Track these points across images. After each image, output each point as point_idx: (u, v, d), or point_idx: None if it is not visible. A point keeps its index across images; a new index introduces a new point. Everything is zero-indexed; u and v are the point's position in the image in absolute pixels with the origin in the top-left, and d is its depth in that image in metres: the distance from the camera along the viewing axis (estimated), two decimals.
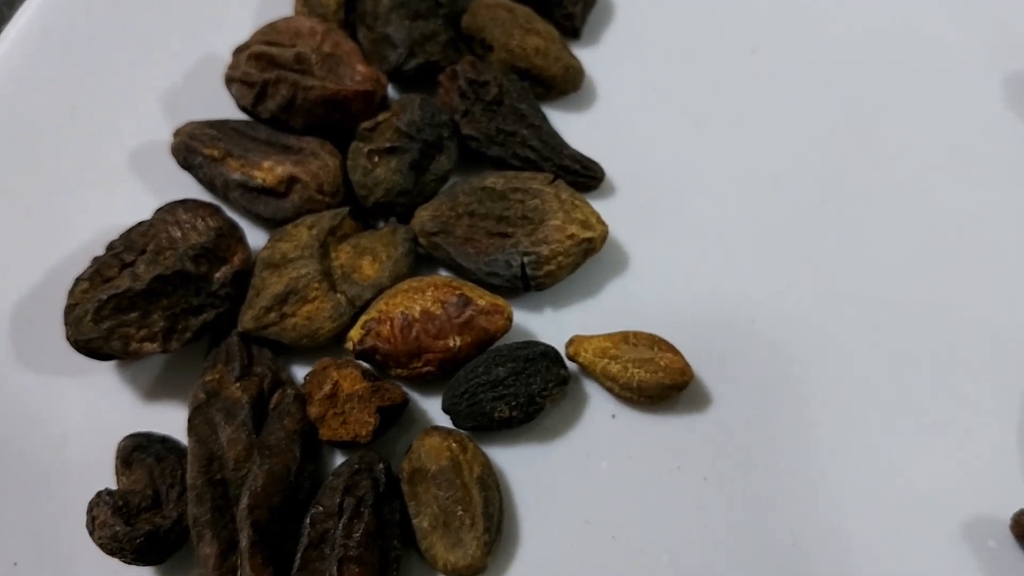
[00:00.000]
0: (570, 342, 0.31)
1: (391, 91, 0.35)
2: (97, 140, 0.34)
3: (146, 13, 0.36)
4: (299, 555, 0.27)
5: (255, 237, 0.32)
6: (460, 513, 0.28)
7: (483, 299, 0.30)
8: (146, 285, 0.29)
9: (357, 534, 0.27)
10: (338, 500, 0.28)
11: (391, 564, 0.27)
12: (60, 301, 0.31)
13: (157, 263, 0.29)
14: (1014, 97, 0.35)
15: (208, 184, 0.32)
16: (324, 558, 0.27)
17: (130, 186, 0.34)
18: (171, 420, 0.31)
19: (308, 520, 0.28)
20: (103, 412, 0.31)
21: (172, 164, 0.33)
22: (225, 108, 0.34)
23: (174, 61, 0.36)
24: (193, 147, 0.32)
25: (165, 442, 0.30)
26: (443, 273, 0.32)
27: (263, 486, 0.27)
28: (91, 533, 0.28)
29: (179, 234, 0.30)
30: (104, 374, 0.32)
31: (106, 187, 0.34)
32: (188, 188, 0.33)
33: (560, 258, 0.31)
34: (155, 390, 0.31)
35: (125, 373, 0.32)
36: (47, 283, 0.33)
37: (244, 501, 0.27)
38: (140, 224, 0.31)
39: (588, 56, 0.36)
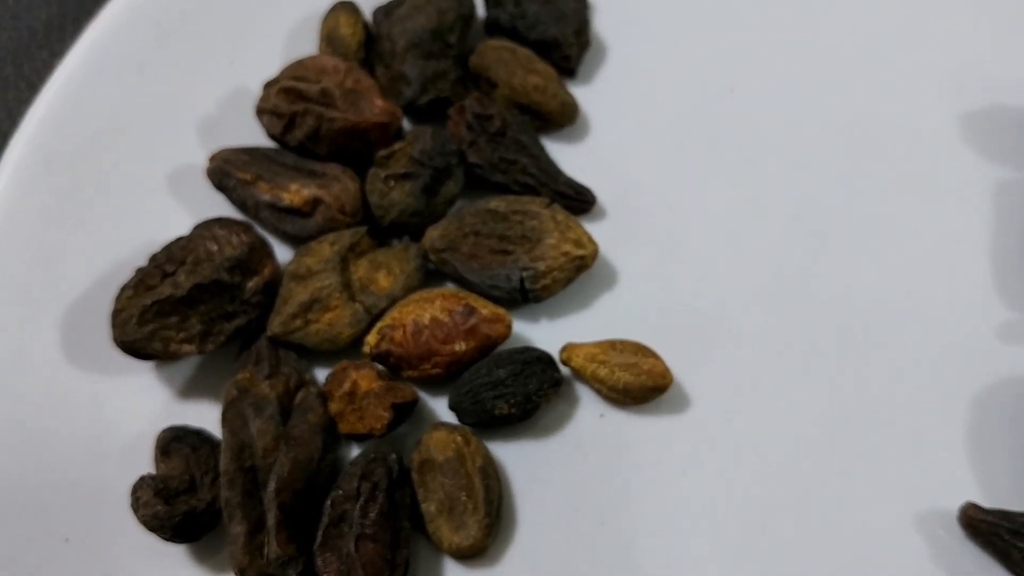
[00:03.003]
0: (563, 348, 0.34)
1: (405, 123, 0.38)
2: (139, 163, 0.38)
3: (184, 51, 0.39)
4: (320, 532, 0.30)
5: (281, 252, 0.35)
6: (464, 499, 0.31)
7: (486, 308, 0.33)
8: (186, 292, 0.32)
9: (372, 514, 0.30)
10: (355, 485, 0.31)
11: (402, 542, 0.30)
12: (104, 308, 0.34)
13: (196, 273, 0.33)
14: (968, 134, 0.38)
15: (240, 204, 0.36)
16: (343, 535, 0.30)
17: (168, 205, 0.37)
18: (202, 416, 0.34)
19: (329, 502, 0.30)
20: (142, 408, 0.34)
21: (206, 186, 0.36)
22: (254, 136, 0.37)
23: (209, 93, 0.39)
24: (227, 171, 0.35)
25: (199, 434, 0.33)
26: (450, 286, 0.35)
27: (289, 472, 0.30)
28: (135, 512, 0.31)
29: (215, 248, 0.33)
30: (143, 374, 0.34)
31: (146, 206, 0.37)
32: (221, 208, 0.36)
33: (555, 273, 0.34)
34: (188, 389, 0.34)
35: (161, 373, 0.35)
36: (92, 292, 0.35)
37: (272, 485, 0.30)
38: (180, 239, 0.34)
39: (582, 93, 0.39)
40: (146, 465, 0.33)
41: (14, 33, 0.43)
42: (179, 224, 0.36)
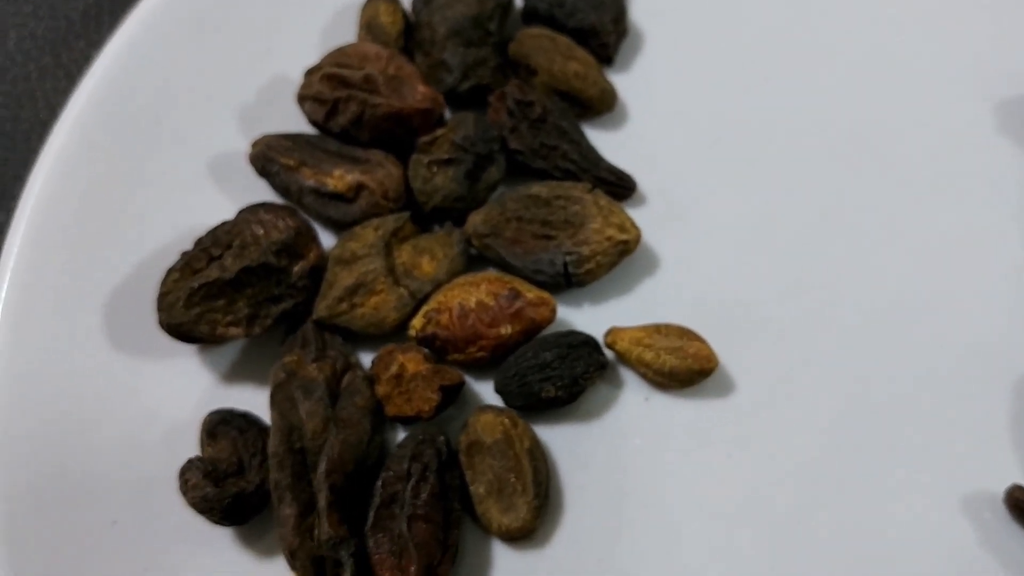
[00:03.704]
0: (608, 332, 0.34)
1: (445, 110, 0.38)
2: (179, 151, 0.38)
3: (222, 40, 0.40)
4: (372, 513, 0.30)
5: (323, 238, 0.35)
6: (513, 480, 0.31)
7: (531, 292, 0.33)
8: (234, 275, 0.32)
9: (424, 495, 0.30)
10: (406, 466, 0.31)
11: (453, 523, 0.31)
12: (147, 294, 0.34)
13: (243, 256, 0.33)
14: (1003, 122, 0.39)
15: (283, 190, 0.36)
16: (394, 517, 0.30)
17: (209, 192, 0.37)
18: (246, 400, 0.34)
19: (380, 483, 0.31)
20: (186, 392, 0.34)
21: (246, 173, 0.36)
22: (293, 124, 0.37)
23: (247, 82, 0.39)
24: (271, 157, 0.35)
25: (246, 417, 0.33)
26: (492, 271, 0.35)
27: (339, 454, 0.30)
28: (184, 494, 0.31)
29: (261, 231, 0.33)
30: (187, 359, 0.34)
31: (187, 193, 0.37)
32: (262, 194, 0.36)
33: (599, 257, 0.34)
34: (231, 374, 0.34)
35: (204, 358, 0.35)
36: (136, 278, 0.36)
37: (322, 467, 0.30)
38: (225, 223, 0.34)
39: (620, 81, 0.39)
40: (191, 449, 0.33)
41: (52, 23, 0.43)
42: (221, 210, 0.36)
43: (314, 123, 0.36)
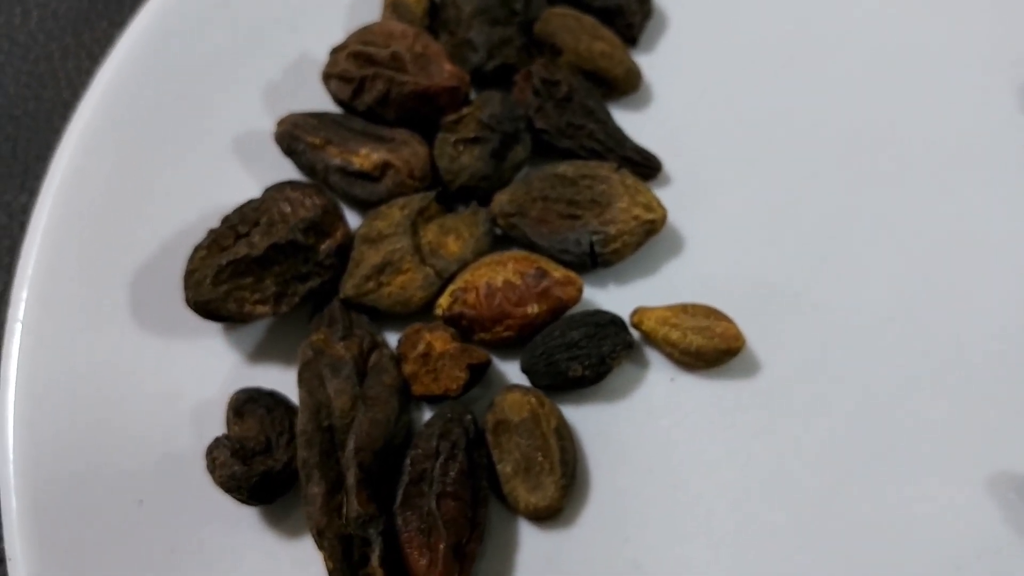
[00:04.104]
0: (635, 312, 0.34)
1: (471, 90, 0.38)
2: (204, 129, 0.38)
3: (246, 19, 0.40)
4: (400, 491, 0.30)
5: (349, 217, 0.35)
6: (540, 459, 0.31)
7: (558, 272, 0.33)
8: (262, 252, 0.32)
9: (453, 472, 0.30)
10: (434, 444, 0.31)
11: (481, 501, 0.30)
12: (172, 272, 0.34)
13: (271, 234, 0.33)
14: None
15: (308, 169, 0.36)
16: (423, 494, 0.30)
17: (234, 170, 0.37)
18: (272, 379, 0.33)
19: (408, 461, 0.31)
20: (212, 370, 0.34)
21: (271, 151, 0.36)
22: (317, 103, 0.37)
23: (271, 61, 0.39)
24: (296, 135, 0.35)
25: (273, 396, 0.33)
26: (517, 251, 0.35)
27: (367, 431, 0.30)
28: (211, 473, 0.31)
29: (289, 209, 0.33)
30: (213, 337, 0.34)
31: (212, 171, 0.37)
32: (287, 172, 0.36)
33: (625, 237, 0.34)
34: (257, 353, 0.34)
35: (230, 337, 0.35)
36: (161, 257, 0.35)
37: (351, 445, 0.30)
38: (252, 201, 0.34)
39: (645, 61, 0.39)
40: (217, 428, 0.33)
41: (74, 3, 0.43)
42: (247, 189, 0.36)
43: (340, 102, 0.36)
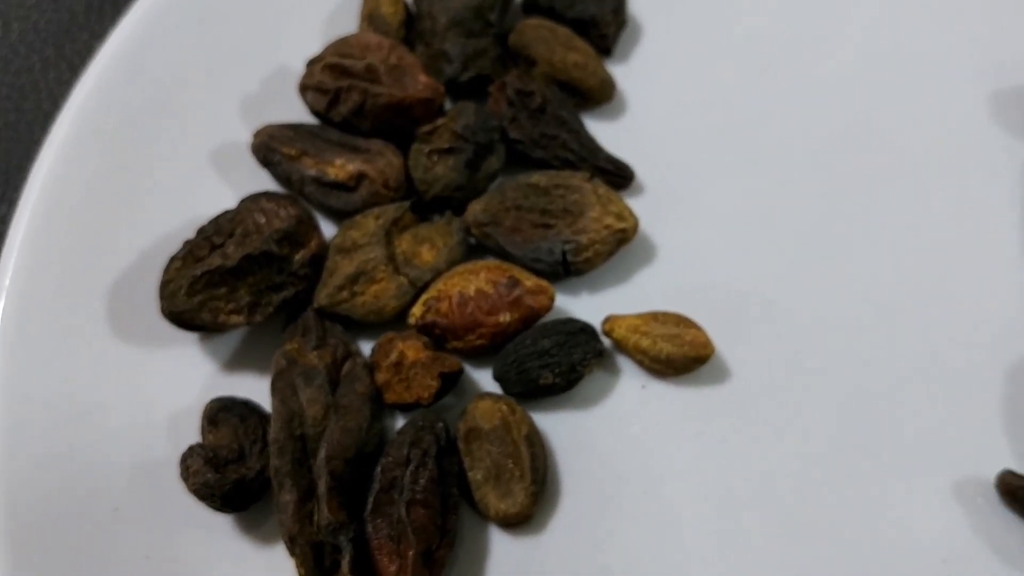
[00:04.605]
0: (606, 320, 0.34)
1: (446, 100, 0.38)
2: (182, 141, 0.38)
3: (224, 31, 0.40)
4: (371, 499, 0.30)
5: (324, 227, 0.36)
6: (510, 466, 0.31)
7: (530, 280, 0.34)
8: (235, 263, 0.33)
9: (423, 480, 0.30)
10: (405, 452, 0.31)
11: (451, 508, 0.31)
12: (149, 282, 0.35)
13: (245, 244, 0.33)
14: (999, 112, 0.39)
15: (284, 180, 0.36)
16: (393, 502, 0.30)
17: (211, 181, 0.37)
18: (248, 388, 0.34)
19: (379, 469, 0.31)
20: (188, 379, 0.34)
21: (249, 162, 0.37)
22: (295, 114, 0.38)
23: (249, 72, 0.39)
24: (273, 146, 0.36)
25: (247, 404, 0.33)
26: (491, 260, 0.36)
27: (339, 440, 0.31)
28: (185, 480, 0.31)
29: (263, 220, 0.33)
30: (189, 347, 0.35)
31: (190, 182, 0.37)
32: (264, 183, 0.37)
33: (597, 246, 0.34)
34: (232, 362, 0.35)
35: (206, 346, 0.35)
36: (138, 267, 0.36)
37: (322, 453, 0.31)
38: (227, 212, 0.34)
39: (619, 71, 0.39)
40: (193, 436, 0.33)
41: (55, 15, 0.44)
42: (223, 200, 0.36)
43: (316, 113, 0.37)
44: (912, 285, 0.35)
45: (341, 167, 0.35)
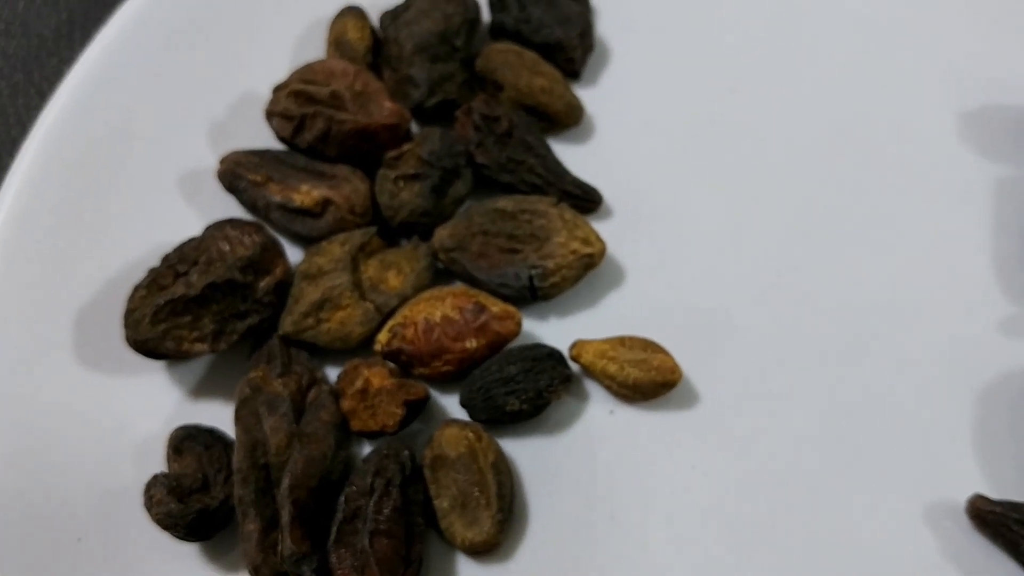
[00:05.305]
0: (573, 345, 0.34)
1: (412, 126, 0.38)
2: (149, 167, 0.38)
3: (192, 57, 0.40)
4: (334, 529, 0.30)
5: (291, 253, 0.36)
6: (476, 494, 0.31)
7: (496, 306, 0.34)
8: (199, 292, 0.32)
9: (386, 510, 0.30)
10: (369, 481, 0.31)
11: (416, 538, 0.30)
12: (115, 309, 0.35)
13: (209, 272, 0.33)
14: (968, 131, 0.39)
15: (250, 206, 0.36)
16: (357, 532, 0.30)
17: (178, 208, 0.37)
18: (214, 415, 0.34)
19: (343, 498, 0.31)
20: (153, 407, 0.34)
21: (215, 188, 0.37)
22: (262, 140, 0.38)
23: (217, 98, 0.39)
24: (239, 173, 0.36)
25: (212, 433, 0.33)
26: (459, 285, 0.35)
27: (303, 469, 0.31)
28: (148, 510, 0.31)
29: (227, 248, 0.33)
30: (154, 375, 0.35)
31: (157, 209, 0.37)
32: (231, 210, 0.36)
33: (564, 271, 0.34)
34: (199, 389, 0.35)
35: (172, 374, 0.35)
36: (104, 294, 0.36)
37: (285, 482, 0.30)
38: (192, 239, 0.34)
39: (587, 95, 0.39)
40: (158, 465, 0.33)
41: (24, 40, 0.44)
42: (190, 226, 0.36)
43: (282, 139, 0.37)
44: (881, 307, 0.35)
45: (307, 193, 0.35)
